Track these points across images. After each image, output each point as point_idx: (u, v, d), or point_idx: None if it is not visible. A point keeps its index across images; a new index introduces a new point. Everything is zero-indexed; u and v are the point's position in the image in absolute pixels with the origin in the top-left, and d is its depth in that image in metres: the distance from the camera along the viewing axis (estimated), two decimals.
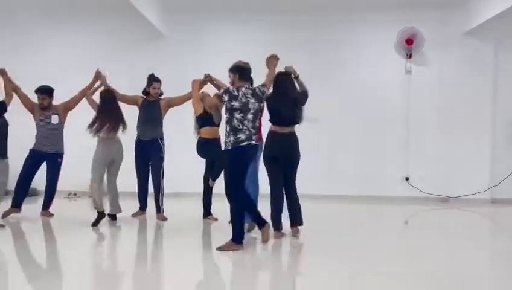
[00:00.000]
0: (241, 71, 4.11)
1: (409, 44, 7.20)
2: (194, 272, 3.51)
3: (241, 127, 3.97)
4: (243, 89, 4.05)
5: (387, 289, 3.17)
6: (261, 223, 4.20)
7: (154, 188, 5.40)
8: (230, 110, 4.00)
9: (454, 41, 7.23)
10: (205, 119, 4.99)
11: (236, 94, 3.99)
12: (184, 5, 7.24)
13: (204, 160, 5.25)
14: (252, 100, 4.04)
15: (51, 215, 5.46)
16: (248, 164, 4.11)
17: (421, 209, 6.56)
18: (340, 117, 7.39)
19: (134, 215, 5.48)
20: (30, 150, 5.39)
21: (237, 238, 3.95)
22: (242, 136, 3.96)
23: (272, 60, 4.46)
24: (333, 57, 7.41)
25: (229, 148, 3.99)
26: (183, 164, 6.69)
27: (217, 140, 5.06)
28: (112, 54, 7.38)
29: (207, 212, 5.32)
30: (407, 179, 7.32)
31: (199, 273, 3.55)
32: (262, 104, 4.23)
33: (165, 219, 5.32)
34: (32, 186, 5.62)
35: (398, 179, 7.32)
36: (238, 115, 3.97)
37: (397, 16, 7.25)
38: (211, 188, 5.17)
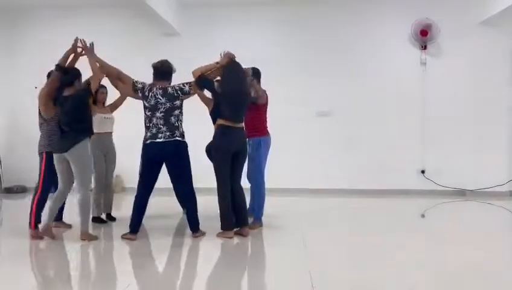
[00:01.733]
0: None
1: (424, 35, 7.11)
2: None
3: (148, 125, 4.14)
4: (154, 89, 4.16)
5: (405, 281, 3.15)
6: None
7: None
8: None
9: (470, 32, 7.11)
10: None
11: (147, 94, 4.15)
12: (198, 2, 7.25)
13: None
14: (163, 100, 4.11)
15: None
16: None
17: (438, 203, 6.48)
18: (354, 110, 7.34)
19: None
20: None
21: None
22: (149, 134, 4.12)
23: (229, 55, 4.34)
24: (347, 49, 7.35)
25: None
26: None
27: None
28: (126, 51, 7.41)
29: None
30: (423, 172, 7.25)
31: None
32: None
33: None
34: None
35: (413, 172, 7.25)
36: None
37: (411, 7, 7.17)
38: None
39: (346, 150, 7.34)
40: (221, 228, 4.27)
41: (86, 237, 4.14)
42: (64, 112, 4.12)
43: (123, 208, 5.64)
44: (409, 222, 5.37)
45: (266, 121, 4.80)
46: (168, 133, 4.09)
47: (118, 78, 4.36)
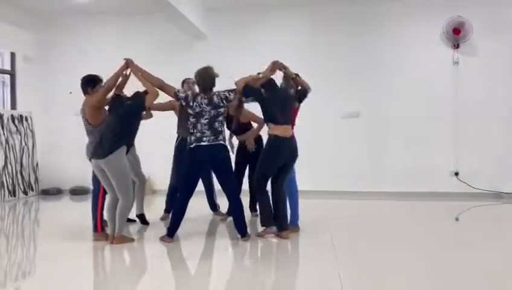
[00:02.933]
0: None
1: (456, 34, 6.93)
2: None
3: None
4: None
5: (442, 284, 3.08)
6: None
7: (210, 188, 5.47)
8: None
9: (505, 29, 6.88)
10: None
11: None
12: (225, 4, 7.31)
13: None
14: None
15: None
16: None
17: (472, 206, 6.30)
18: (384, 111, 7.22)
19: None
20: None
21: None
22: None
23: (275, 65, 4.44)
24: (377, 49, 7.25)
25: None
26: None
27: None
28: (154, 55, 7.55)
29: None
30: (456, 174, 7.06)
31: None
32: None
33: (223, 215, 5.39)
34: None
35: (446, 174, 7.07)
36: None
37: (443, 5, 7.00)
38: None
39: (376, 152, 7.23)
40: (262, 225, 4.42)
41: (120, 241, 4.20)
42: (117, 117, 4.15)
43: (155, 209, 5.74)
44: (443, 225, 5.24)
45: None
46: (212, 137, 4.17)
47: (159, 87, 4.32)
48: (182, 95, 4.27)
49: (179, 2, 6.11)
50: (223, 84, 4.39)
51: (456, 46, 7.02)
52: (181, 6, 6.23)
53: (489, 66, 6.96)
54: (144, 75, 4.31)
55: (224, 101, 4.23)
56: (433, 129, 7.10)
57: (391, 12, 7.22)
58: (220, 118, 4.23)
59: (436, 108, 7.08)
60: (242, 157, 5.24)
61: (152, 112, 4.90)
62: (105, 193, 4.34)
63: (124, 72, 4.42)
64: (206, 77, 4.24)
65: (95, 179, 4.33)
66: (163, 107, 5.19)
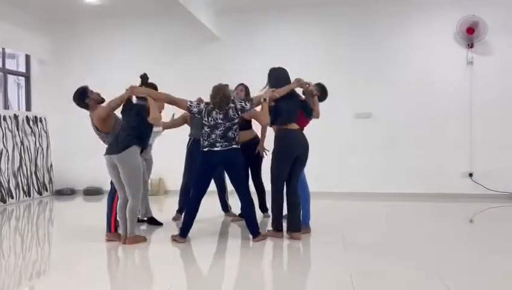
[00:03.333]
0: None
1: (470, 33, 6.85)
2: None
3: None
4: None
5: (456, 286, 3.04)
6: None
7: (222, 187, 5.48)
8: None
9: None
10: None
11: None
12: (237, 6, 7.33)
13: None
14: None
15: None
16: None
17: (487, 207, 6.21)
18: (398, 111, 7.17)
19: None
20: None
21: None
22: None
23: (299, 83, 4.45)
24: (390, 49, 7.21)
25: None
26: None
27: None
28: (167, 57, 7.62)
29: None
30: (470, 175, 6.97)
31: None
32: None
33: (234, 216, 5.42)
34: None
35: (460, 175, 6.99)
36: None
37: (457, 4, 6.94)
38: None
39: (389, 153, 7.18)
40: (273, 229, 4.41)
41: (132, 241, 4.24)
42: (130, 118, 4.19)
43: (167, 210, 5.77)
44: (457, 227, 5.17)
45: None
46: (225, 143, 4.20)
47: (170, 103, 4.30)
48: (195, 109, 4.26)
49: (191, 5, 6.15)
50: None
51: (470, 45, 6.93)
52: (194, 9, 6.26)
53: (504, 65, 6.87)
54: (151, 95, 4.20)
55: (239, 112, 4.24)
56: (447, 130, 7.03)
57: (404, 13, 7.17)
58: (235, 127, 4.24)
59: (450, 108, 7.01)
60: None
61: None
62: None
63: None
64: (223, 98, 4.17)
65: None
66: (177, 124, 5.29)
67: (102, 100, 4.36)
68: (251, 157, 5.04)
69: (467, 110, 6.97)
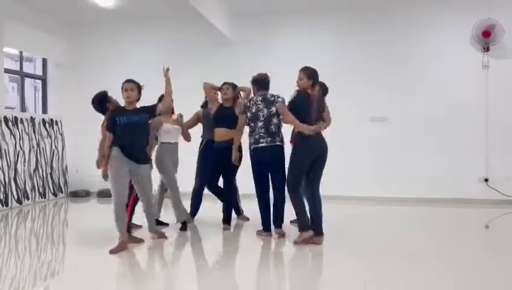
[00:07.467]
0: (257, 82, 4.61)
1: (486, 36, 6.76)
2: None
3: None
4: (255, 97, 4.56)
5: None
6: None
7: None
8: None
9: None
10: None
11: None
12: (250, 9, 7.36)
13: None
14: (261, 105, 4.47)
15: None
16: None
17: (503, 213, 6.11)
18: (412, 116, 7.10)
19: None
20: None
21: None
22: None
23: None
24: (404, 53, 7.16)
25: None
26: None
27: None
28: (181, 60, 7.65)
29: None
30: (486, 180, 6.87)
31: None
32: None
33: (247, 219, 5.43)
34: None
35: (476, 180, 6.89)
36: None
37: (473, 7, 6.86)
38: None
39: (404, 157, 7.11)
40: (299, 230, 4.37)
41: (158, 235, 4.45)
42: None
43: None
44: (472, 233, 5.10)
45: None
46: (269, 139, 4.45)
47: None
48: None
49: (206, 10, 6.19)
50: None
51: (486, 49, 6.85)
52: (208, 14, 6.30)
53: None
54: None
55: (275, 97, 4.49)
56: (462, 134, 6.94)
57: (419, 16, 7.12)
58: (275, 121, 4.46)
59: (465, 112, 6.93)
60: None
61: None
62: (137, 197, 4.48)
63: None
64: (264, 75, 4.63)
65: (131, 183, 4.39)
66: (191, 124, 5.31)
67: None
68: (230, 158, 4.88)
69: (483, 114, 6.87)
